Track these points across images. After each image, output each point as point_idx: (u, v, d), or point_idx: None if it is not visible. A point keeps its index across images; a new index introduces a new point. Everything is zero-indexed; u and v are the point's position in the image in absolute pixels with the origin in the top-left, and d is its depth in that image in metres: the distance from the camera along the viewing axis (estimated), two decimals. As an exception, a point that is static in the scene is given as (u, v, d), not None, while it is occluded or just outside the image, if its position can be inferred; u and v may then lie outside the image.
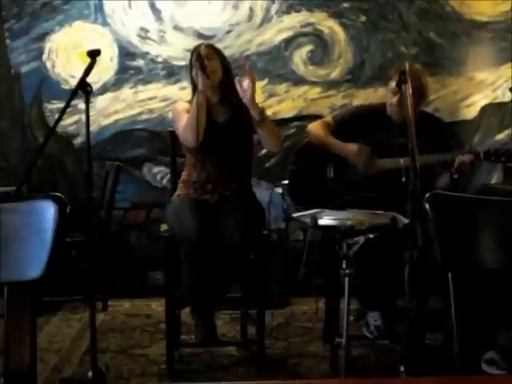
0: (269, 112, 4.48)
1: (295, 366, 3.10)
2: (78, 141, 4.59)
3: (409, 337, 2.57)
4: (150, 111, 4.65)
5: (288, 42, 4.64)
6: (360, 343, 3.22)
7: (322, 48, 4.66)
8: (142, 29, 4.60)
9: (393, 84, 2.97)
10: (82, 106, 4.11)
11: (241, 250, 2.95)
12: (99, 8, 4.56)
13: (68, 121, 4.50)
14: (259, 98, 4.52)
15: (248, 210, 3.05)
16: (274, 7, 4.61)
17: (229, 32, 4.61)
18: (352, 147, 3.20)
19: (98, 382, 2.35)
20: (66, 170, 4.66)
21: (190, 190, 3.11)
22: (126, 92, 4.63)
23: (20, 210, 1.75)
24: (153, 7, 4.59)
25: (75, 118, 4.53)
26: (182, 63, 4.36)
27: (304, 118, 4.54)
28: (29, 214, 1.70)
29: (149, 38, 4.61)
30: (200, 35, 4.56)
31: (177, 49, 4.55)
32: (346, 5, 4.61)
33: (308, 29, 4.64)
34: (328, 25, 4.64)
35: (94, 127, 4.34)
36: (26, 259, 1.63)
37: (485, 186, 4.52)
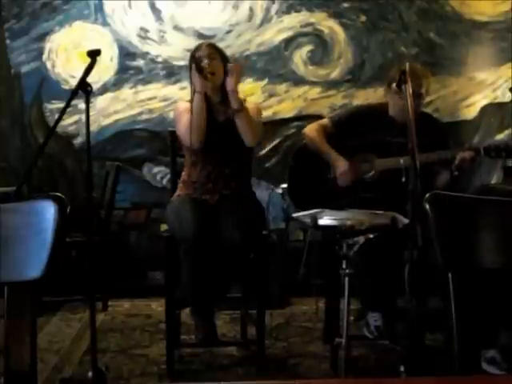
0: (269, 112, 4.52)
1: (295, 366, 3.10)
2: (78, 141, 4.59)
3: (409, 337, 2.57)
4: (150, 111, 4.65)
5: (288, 41, 4.64)
6: (360, 343, 3.22)
7: (322, 48, 4.66)
8: (141, 29, 4.60)
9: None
10: (82, 106, 4.11)
11: (241, 250, 2.94)
12: (99, 8, 4.56)
13: (68, 121, 4.50)
14: (259, 98, 4.55)
15: (248, 210, 3.05)
16: (274, 7, 4.61)
17: (229, 32, 4.61)
18: (342, 166, 3.20)
19: (97, 382, 2.34)
20: (65, 169, 4.66)
21: (190, 190, 3.11)
22: (126, 92, 4.63)
23: (20, 210, 1.75)
24: (153, 7, 4.59)
25: (75, 118, 4.53)
26: (182, 63, 4.35)
27: (304, 118, 4.54)
28: (29, 214, 1.70)
29: (149, 38, 4.61)
30: (200, 35, 4.56)
31: (177, 49, 4.55)
32: (345, 5, 4.61)
33: (308, 29, 4.64)
34: (328, 25, 4.64)
35: (93, 127, 4.33)
36: (26, 259, 1.63)
37: (485, 186, 4.52)
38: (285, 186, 3.47)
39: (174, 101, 4.39)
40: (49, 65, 4.59)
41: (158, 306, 3.99)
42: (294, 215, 2.62)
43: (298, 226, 4.22)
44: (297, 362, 3.16)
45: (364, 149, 3.21)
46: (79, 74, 2.35)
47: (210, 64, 3.02)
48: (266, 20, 4.62)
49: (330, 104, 4.65)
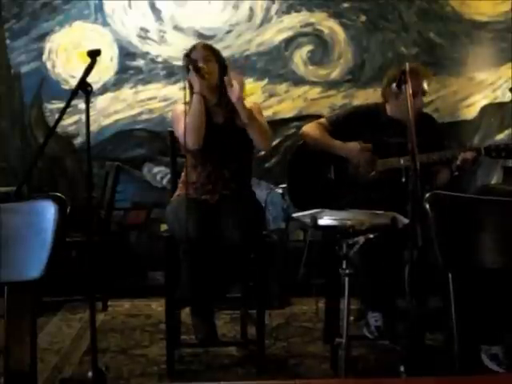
0: (269, 112, 4.52)
1: (295, 366, 3.10)
2: (78, 141, 4.59)
3: (409, 337, 2.57)
4: (150, 111, 4.65)
5: (288, 42, 4.64)
6: (360, 343, 3.22)
7: (322, 48, 4.66)
8: (142, 29, 4.60)
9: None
10: (82, 105, 4.11)
11: (241, 250, 2.95)
12: (99, 8, 4.56)
13: (68, 121, 4.51)
14: (259, 98, 4.55)
15: (248, 210, 3.04)
16: (274, 7, 4.61)
17: (229, 32, 4.61)
18: (354, 146, 3.19)
19: (97, 382, 2.34)
20: (65, 169, 4.66)
21: (190, 191, 3.10)
22: (126, 92, 4.63)
23: (20, 210, 1.75)
24: (153, 7, 4.59)
25: (75, 118, 4.53)
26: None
27: (304, 118, 4.54)
28: (29, 214, 1.70)
29: (149, 38, 4.61)
30: (200, 35, 4.56)
31: (177, 49, 4.55)
32: (346, 5, 4.62)
33: (308, 29, 4.64)
34: (328, 25, 4.64)
35: (94, 127, 4.34)
36: (26, 259, 1.63)
37: (485, 186, 4.52)
38: (285, 185, 3.47)
39: (174, 101, 4.39)
40: (49, 65, 4.59)
41: (158, 306, 3.99)
42: (294, 215, 2.62)
43: (298, 225, 4.22)
44: (297, 362, 3.16)
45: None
46: (79, 74, 2.34)
47: (206, 66, 3.02)
48: (266, 20, 4.62)
49: (329, 104, 4.65)
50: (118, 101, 4.63)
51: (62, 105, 3.92)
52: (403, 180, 3.04)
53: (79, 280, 3.03)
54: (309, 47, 4.66)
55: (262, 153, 4.22)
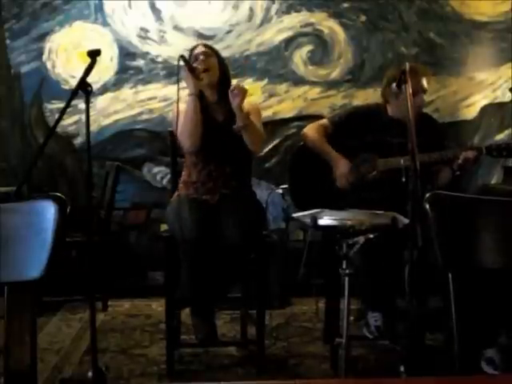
0: (269, 112, 4.53)
1: (295, 366, 3.10)
2: (78, 141, 4.59)
3: (409, 337, 2.57)
4: (150, 111, 4.65)
5: (288, 41, 4.64)
6: (360, 343, 3.22)
7: (322, 48, 4.66)
8: (142, 29, 4.60)
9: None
10: (82, 105, 4.12)
11: (241, 250, 2.94)
12: (99, 8, 4.56)
13: (68, 121, 4.51)
14: (259, 98, 4.54)
15: (248, 210, 3.04)
16: (274, 7, 4.61)
17: (229, 32, 4.61)
18: (342, 166, 3.20)
19: (98, 382, 2.34)
20: (66, 169, 4.66)
21: (190, 190, 3.11)
22: (126, 92, 4.63)
23: (20, 210, 1.75)
24: (153, 7, 4.59)
25: (75, 118, 4.53)
26: (182, 63, 4.34)
27: (304, 118, 4.54)
28: (29, 214, 1.70)
29: (149, 38, 4.61)
30: (200, 35, 4.56)
31: (177, 49, 4.54)
32: (345, 5, 4.62)
33: (308, 29, 4.64)
34: (328, 25, 4.64)
35: (94, 127, 4.34)
36: (26, 259, 1.63)
37: (485, 186, 4.52)
38: (285, 186, 3.47)
39: (174, 101, 4.38)
40: (49, 65, 4.59)
41: (158, 306, 4.00)
42: (294, 215, 2.62)
43: (298, 225, 4.22)
44: (297, 362, 3.16)
45: (365, 149, 3.21)
46: (79, 74, 2.34)
47: (206, 61, 3.04)
48: (266, 20, 4.62)
49: (330, 104, 4.65)
50: (118, 101, 4.63)
51: (61, 105, 3.92)
52: (403, 180, 3.04)
53: (79, 280, 3.03)
54: (309, 47, 4.66)
55: (263, 152, 4.22)
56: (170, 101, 4.55)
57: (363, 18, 4.63)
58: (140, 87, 4.63)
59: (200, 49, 3.10)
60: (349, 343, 2.43)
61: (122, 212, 4.60)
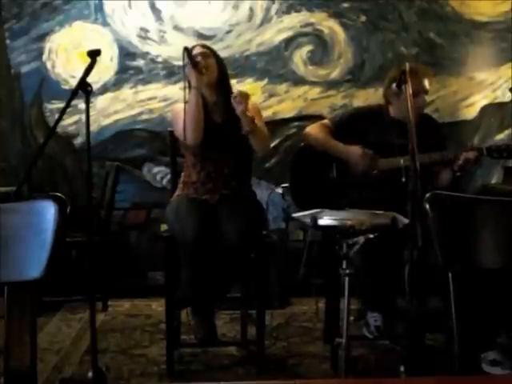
0: (269, 112, 4.52)
1: (295, 366, 3.10)
2: (78, 141, 4.59)
3: (409, 337, 2.57)
4: (150, 111, 4.65)
5: (288, 41, 4.64)
6: (360, 343, 3.22)
7: (322, 48, 4.66)
8: (142, 29, 4.60)
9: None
10: (82, 106, 4.12)
11: (241, 250, 2.94)
12: (99, 8, 4.56)
13: (68, 121, 4.51)
14: (259, 98, 4.54)
15: (248, 210, 3.04)
16: (274, 7, 4.61)
17: (229, 32, 4.61)
18: (356, 150, 3.19)
19: (98, 382, 2.34)
20: (66, 169, 4.66)
21: (190, 191, 3.11)
22: (126, 92, 4.63)
23: (20, 210, 1.75)
24: (153, 7, 4.59)
25: (75, 118, 4.53)
26: (182, 65, 4.35)
27: (304, 118, 4.55)
28: (29, 214, 1.70)
29: (149, 38, 4.61)
30: (200, 35, 4.56)
31: (177, 49, 4.53)
32: (345, 5, 4.61)
33: (308, 29, 4.64)
34: (328, 25, 4.64)
35: (94, 127, 4.33)
36: (26, 259, 1.63)
37: (485, 186, 4.52)
38: (285, 185, 3.47)
39: (175, 101, 4.38)
40: (49, 65, 4.59)
41: (158, 306, 3.99)
42: (294, 215, 2.62)
43: (298, 225, 4.22)
44: (297, 362, 3.16)
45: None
46: (79, 74, 2.35)
47: (204, 61, 3.04)
48: (266, 20, 4.62)
49: (329, 104, 4.65)
50: (118, 101, 4.63)
51: (61, 105, 3.91)
52: (403, 180, 3.04)
53: (79, 280, 3.04)
54: (309, 47, 4.66)
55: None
56: (169, 101, 4.55)
57: (363, 18, 4.63)
58: (140, 87, 4.63)
59: (198, 50, 3.09)
60: (349, 343, 2.43)
61: (122, 212, 4.60)
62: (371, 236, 2.42)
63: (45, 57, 4.58)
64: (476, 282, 1.80)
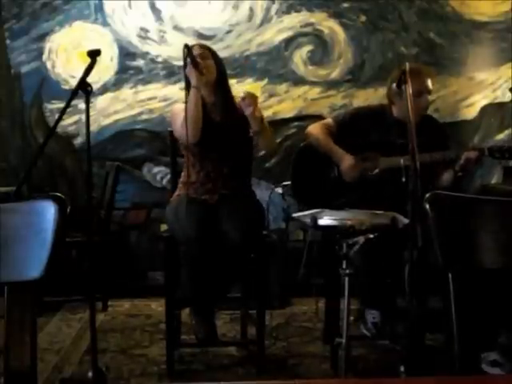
0: (269, 112, 4.52)
1: (295, 366, 3.10)
2: (78, 141, 4.59)
3: (409, 337, 2.57)
4: (150, 111, 4.65)
5: (288, 41, 4.64)
6: (360, 343, 3.22)
7: (322, 48, 4.66)
8: (142, 29, 4.60)
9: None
10: (82, 105, 4.12)
11: (241, 250, 2.94)
12: (99, 8, 4.56)
13: (68, 121, 4.51)
14: (259, 98, 4.52)
15: (248, 210, 3.05)
16: (274, 7, 4.61)
17: (229, 32, 4.61)
18: (348, 160, 3.20)
19: (98, 382, 2.34)
20: (66, 170, 4.66)
21: (190, 191, 3.11)
22: (126, 92, 4.63)
23: (20, 210, 1.75)
24: (153, 7, 4.59)
25: (75, 118, 4.53)
26: (182, 63, 4.35)
27: (304, 118, 4.55)
28: (29, 213, 1.70)
29: (149, 38, 4.61)
30: (200, 35, 4.56)
31: (177, 49, 4.53)
32: (345, 5, 4.62)
33: (308, 29, 4.64)
34: (328, 25, 4.64)
35: (94, 127, 4.33)
36: (26, 259, 1.63)
37: (485, 186, 4.52)
38: (286, 183, 3.48)
39: (175, 101, 4.38)
40: (49, 65, 4.59)
41: (158, 306, 3.99)
42: (294, 215, 2.62)
43: (298, 225, 4.22)
44: (297, 362, 3.16)
45: (368, 149, 3.21)
46: (79, 74, 2.35)
47: (203, 62, 3.03)
48: (266, 20, 4.62)
49: (330, 104, 4.65)
50: (118, 101, 4.63)
51: (61, 105, 3.91)
52: (403, 180, 3.04)
53: (79, 280, 3.04)
54: (309, 47, 4.66)
55: (262, 153, 4.21)
56: (169, 101, 4.55)
57: (363, 18, 4.63)
58: (140, 87, 4.63)
59: (197, 50, 3.08)
60: (349, 343, 2.43)
61: (122, 212, 4.60)
62: (371, 236, 2.42)
63: (45, 57, 4.58)
64: (476, 282, 1.80)
